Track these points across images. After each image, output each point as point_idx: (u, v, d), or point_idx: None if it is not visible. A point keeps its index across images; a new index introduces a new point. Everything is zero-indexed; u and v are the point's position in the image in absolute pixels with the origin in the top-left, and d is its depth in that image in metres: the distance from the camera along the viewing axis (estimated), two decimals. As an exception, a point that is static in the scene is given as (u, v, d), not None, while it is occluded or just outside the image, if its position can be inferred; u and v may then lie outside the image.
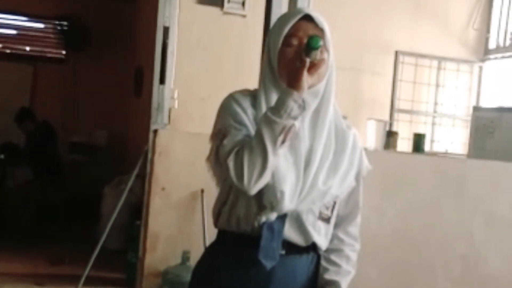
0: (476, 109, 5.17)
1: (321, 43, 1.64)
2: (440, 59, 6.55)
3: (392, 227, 4.36)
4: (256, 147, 1.62)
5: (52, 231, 6.49)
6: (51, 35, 8.49)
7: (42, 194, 6.77)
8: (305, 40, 1.69)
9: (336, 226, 1.87)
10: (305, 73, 1.63)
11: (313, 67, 1.65)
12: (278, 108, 1.63)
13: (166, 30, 4.42)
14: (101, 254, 4.53)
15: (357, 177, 1.86)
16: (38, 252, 5.62)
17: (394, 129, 5.96)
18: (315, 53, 1.65)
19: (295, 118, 1.63)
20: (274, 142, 1.62)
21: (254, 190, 1.66)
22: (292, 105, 1.62)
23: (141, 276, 4.26)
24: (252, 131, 1.70)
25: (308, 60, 1.64)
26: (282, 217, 1.72)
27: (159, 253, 4.20)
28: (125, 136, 8.11)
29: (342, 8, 5.92)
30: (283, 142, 1.63)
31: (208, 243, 3.94)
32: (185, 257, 4.04)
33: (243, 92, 1.80)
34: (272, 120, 1.62)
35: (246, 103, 1.75)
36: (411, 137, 5.09)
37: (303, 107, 1.63)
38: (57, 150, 7.13)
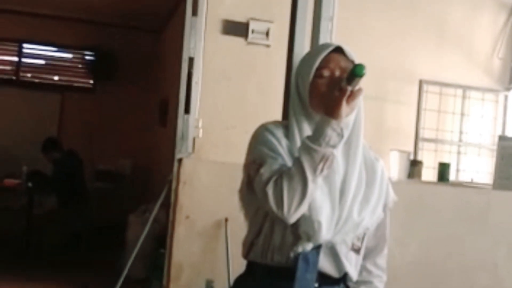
0: (502, 138, 5.10)
1: (365, 71, 1.64)
2: (465, 88, 6.51)
3: (415, 257, 4.30)
4: (295, 175, 1.61)
5: (77, 258, 6.54)
6: (79, 65, 8.67)
7: (68, 222, 6.83)
8: (337, 72, 1.72)
9: (365, 257, 1.87)
10: (344, 101, 1.63)
11: (351, 95, 1.64)
12: (316, 137, 1.62)
13: (191, 61, 4.47)
14: (125, 283, 4.53)
15: (385, 209, 1.86)
16: (63, 279, 5.66)
17: (419, 158, 5.91)
18: (358, 81, 1.64)
19: (334, 146, 1.62)
20: (314, 170, 1.61)
21: (293, 218, 1.65)
22: (331, 133, 1.61)
23: (165, 305, 4.26)
24: (288, 160, 1.69)
25: (349, 89, 1.63)
26: (317, 248, 1.71)
27: (183, 282, 4.20)
28: (149, 165, 8.18)
29: (366, 37, 5.93)
30: (322, 170, 1.62)
31: (232, 272, 3.94)
32: (209, 286, 4.03)
33: (275, 123, 1.80)
34: (312, 148, 1.61)
35: (280, 133, 1.75)
36: (436, 166, 5.06)
37: (341, 135, 1.63)
38: (83, 179, 7.21)
